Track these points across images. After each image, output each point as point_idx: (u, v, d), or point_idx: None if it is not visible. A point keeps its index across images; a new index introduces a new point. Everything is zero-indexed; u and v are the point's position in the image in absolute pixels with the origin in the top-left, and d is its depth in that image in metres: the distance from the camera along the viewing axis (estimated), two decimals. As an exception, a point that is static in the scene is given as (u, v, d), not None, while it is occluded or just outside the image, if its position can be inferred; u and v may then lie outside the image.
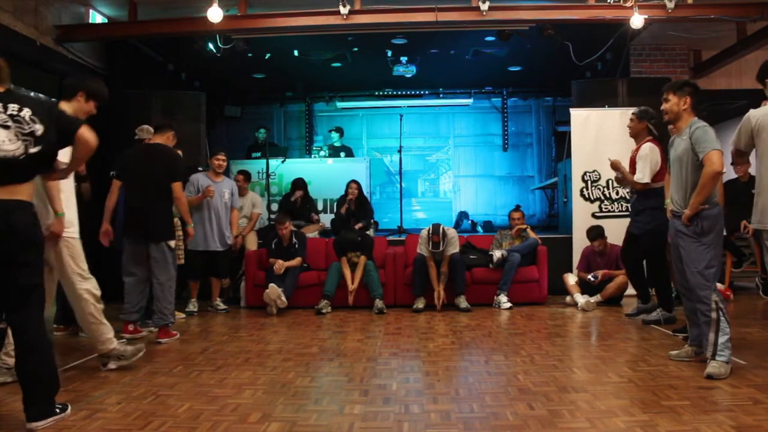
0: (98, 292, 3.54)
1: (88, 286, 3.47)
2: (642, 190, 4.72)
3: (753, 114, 3.40)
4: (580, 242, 6.41)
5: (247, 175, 6.82)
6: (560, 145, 9.02)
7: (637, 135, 4.84)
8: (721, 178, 3.54)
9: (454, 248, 5.88)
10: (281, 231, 6.02)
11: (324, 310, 5.76)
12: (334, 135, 9.34)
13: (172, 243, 4.64)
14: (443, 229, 5.82)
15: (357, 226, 6.68)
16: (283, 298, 5.66)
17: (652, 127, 4.80)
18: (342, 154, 9.10)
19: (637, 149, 4.77)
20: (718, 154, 3.30)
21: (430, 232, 5.81)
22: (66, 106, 3.30)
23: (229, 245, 5.97)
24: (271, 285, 5.64)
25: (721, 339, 3.30)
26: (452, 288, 5.90)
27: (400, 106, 10.70)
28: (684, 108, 3.52)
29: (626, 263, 5.17)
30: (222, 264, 5.95)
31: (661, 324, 4.74)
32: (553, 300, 6.18)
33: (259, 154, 8.87)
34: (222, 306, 6.00)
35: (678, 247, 3.55)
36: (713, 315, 3.33)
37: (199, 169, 6.53)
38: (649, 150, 4.64)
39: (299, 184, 7.34)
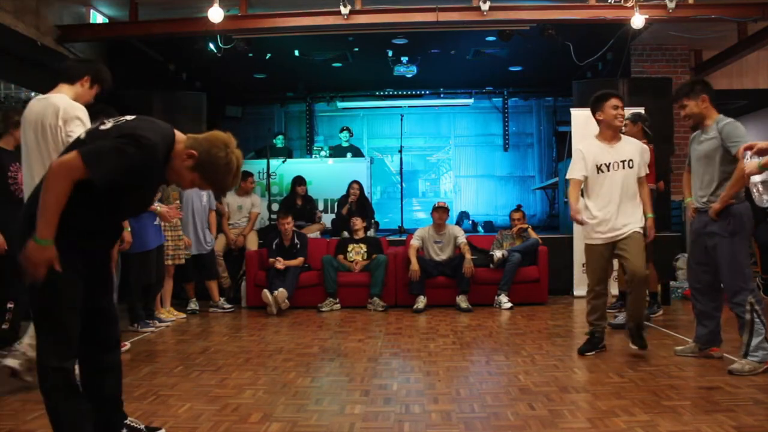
0: None
1: None
2: None
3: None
4: (580, 242, 6.37)
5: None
6: (561, 145, 9.01)
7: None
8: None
9: (461, 236, 6.09)
10: (283, 226, 6.02)
11: (328, 309, 5.81)
12: (345, 135, 9.34)
13: None
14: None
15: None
16: (287, 300, 5.68)
17: (647, 128, 4.81)
18: (349, 154, 9.10)
19: None
20: None
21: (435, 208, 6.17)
22: (66, 90, 3.04)
23: (212, 246, 6.01)
24: (280, 290, 5.62)
25: (755, 341, 3.29)
26: (455, 287, 5.92)
27: (400, 106, 10.68)
28: (704, 107, 3.48)
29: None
30: (211, 264, 5.99)
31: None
32: (553, 300, 6.18)
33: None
34: (227, 306, 6.01)
35: (705, 247, 3.50)
36: (747, 317, 3.31)
37: None
38: (642, 150, 4.63)
39: (299, 180, 7.34)
